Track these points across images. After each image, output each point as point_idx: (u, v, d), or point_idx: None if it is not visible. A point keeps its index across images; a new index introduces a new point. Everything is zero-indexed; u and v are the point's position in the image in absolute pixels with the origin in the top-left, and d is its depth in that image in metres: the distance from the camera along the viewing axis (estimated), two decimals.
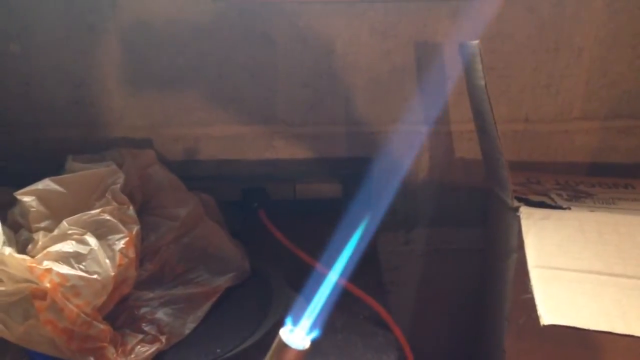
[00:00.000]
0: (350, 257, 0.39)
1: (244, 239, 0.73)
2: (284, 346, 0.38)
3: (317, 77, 0.81)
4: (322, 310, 0.37)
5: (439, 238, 0.92)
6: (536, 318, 0.55)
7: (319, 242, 0.59)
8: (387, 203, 0.43)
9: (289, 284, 0.67)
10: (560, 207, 0.67)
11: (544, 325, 0.54)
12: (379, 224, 0.43)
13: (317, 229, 0.76)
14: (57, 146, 0.79)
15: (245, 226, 0.77)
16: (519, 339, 0.69)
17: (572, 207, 0.67)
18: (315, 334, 0.38)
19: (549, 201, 0.68)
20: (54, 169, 0.67)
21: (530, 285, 0.57)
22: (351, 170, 0.85)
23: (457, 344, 0.97)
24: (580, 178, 0.78)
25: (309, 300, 0.37)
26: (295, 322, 0.37)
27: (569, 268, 0.59)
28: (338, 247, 0.40)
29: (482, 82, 0.64)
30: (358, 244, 0.40)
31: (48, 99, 0.80)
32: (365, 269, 0.39)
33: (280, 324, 0.60)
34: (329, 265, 0.39)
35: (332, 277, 0.38)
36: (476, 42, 0.63)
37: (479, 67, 0.63)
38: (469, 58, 0.67)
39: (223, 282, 0.67)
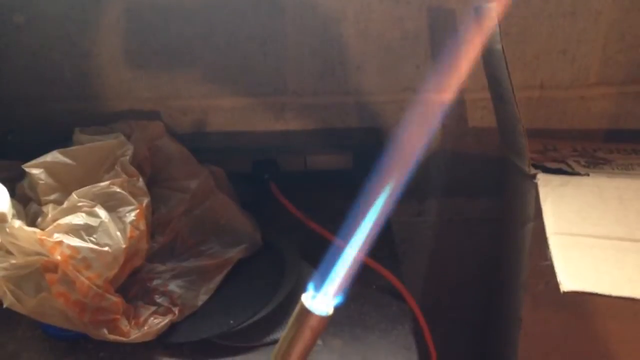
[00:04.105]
0: (370, 232, 0.38)
1: (255, 211, 0.73)
2: (306, 312, 0.36)
3: (327, 45, 0.79)
4: (344, 277, 0.35)
5: (451, 208, 0.91)
6: (553, 286, 0.54)
7: (330, 213, 0.59)
8: (405, 176, 0.42)
9: (301, 255, 0.67)
10: (578, 174, 0.65)
11: (564, 292, 0.53)
12: (397, 197, 0.42)
13: (328, 200, 0.76)
14: (64, 118, 0.78)
15: (256, 198, 0.76)
16: (535, 308, 0.69)
17: (590, 174, 0.65)
18: (338, 300, 0.36)
19: (566, 168, 0.67)
20: (62, 141, 0.66)
21: (549, 252, 0.56)
22: (362, 141, 0.83)
23: (471, 314, 0.96)
24: (597, 144, 0.76)
25: (328, 267, 0.35)
26: (317, 288, 0.36)
27: (589, 234, 0.58)
28: (353, 218, 0.39)
29: (499, 47, 0.62)
30: (377, 218, 0.38)
31: (54, 71, 0.79)
32: (378, 240, 0.38)
33: (292, 295, 0.60)
34: (345, 237, 0.38)
35: (349, 248, 0.37)
36: (492, 4, 0.61)
37: (496, 31, 0.61)
38: (484, 22, 0.65)
39: (235, 254, 0.66)
